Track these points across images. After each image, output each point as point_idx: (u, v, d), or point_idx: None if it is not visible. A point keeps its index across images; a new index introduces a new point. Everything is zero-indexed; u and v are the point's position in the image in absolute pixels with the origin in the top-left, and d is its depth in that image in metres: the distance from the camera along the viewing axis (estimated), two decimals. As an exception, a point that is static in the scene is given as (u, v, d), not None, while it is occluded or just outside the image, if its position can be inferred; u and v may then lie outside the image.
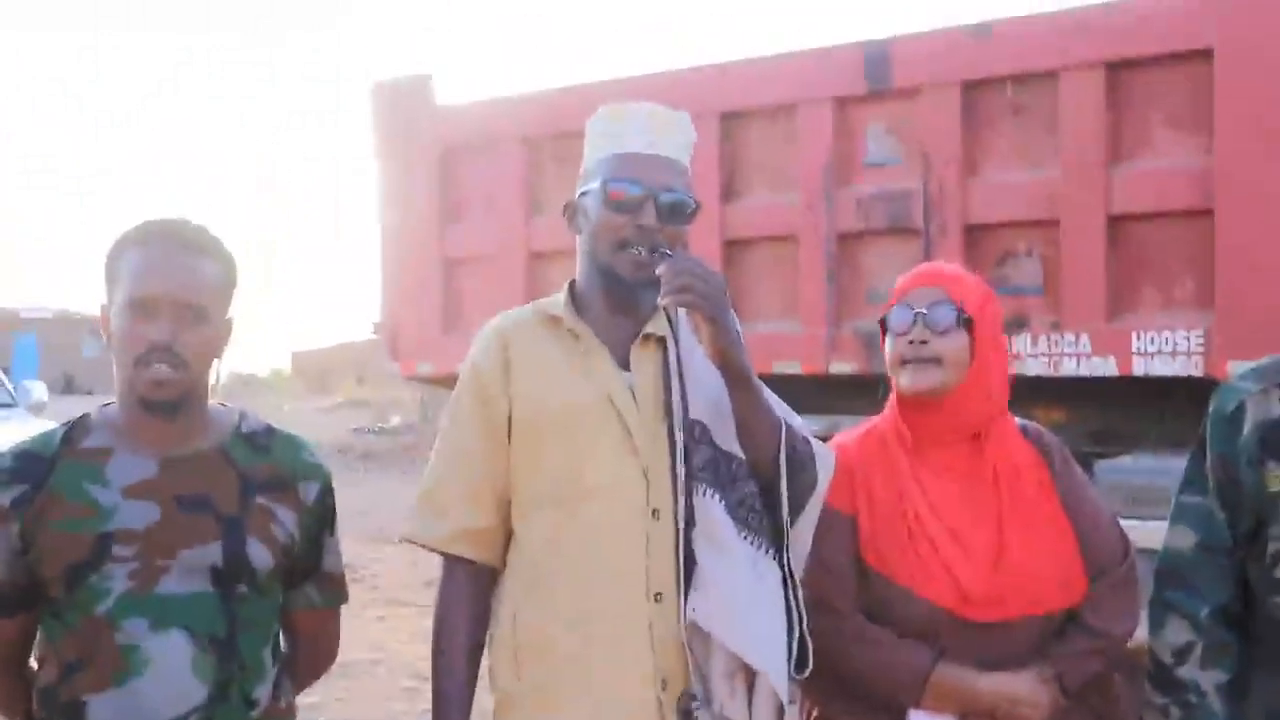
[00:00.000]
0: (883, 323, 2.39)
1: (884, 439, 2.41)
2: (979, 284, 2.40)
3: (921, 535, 2.29)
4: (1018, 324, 5.74)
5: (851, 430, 2.51)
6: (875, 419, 2.47)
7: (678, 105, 2.32)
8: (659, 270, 2.03)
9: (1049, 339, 5.72)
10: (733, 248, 6.62)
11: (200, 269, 2.02)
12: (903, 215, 6.15)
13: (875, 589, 2.31)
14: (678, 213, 2.14)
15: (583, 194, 2.18)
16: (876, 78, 6.16)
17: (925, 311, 2.32)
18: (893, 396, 2.41)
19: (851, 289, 6.33)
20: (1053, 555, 2.28)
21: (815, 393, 6.32)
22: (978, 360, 2.32)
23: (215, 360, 2.09)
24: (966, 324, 2.31)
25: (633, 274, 2.10)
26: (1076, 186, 5.65)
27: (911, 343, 2.32)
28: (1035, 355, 5.75)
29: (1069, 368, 5.69)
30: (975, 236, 5.99)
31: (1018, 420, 2.44)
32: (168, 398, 1.99)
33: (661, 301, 2.03)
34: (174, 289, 1.98)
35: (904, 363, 2.33)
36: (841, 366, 6.29)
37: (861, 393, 6.24)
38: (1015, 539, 2.27)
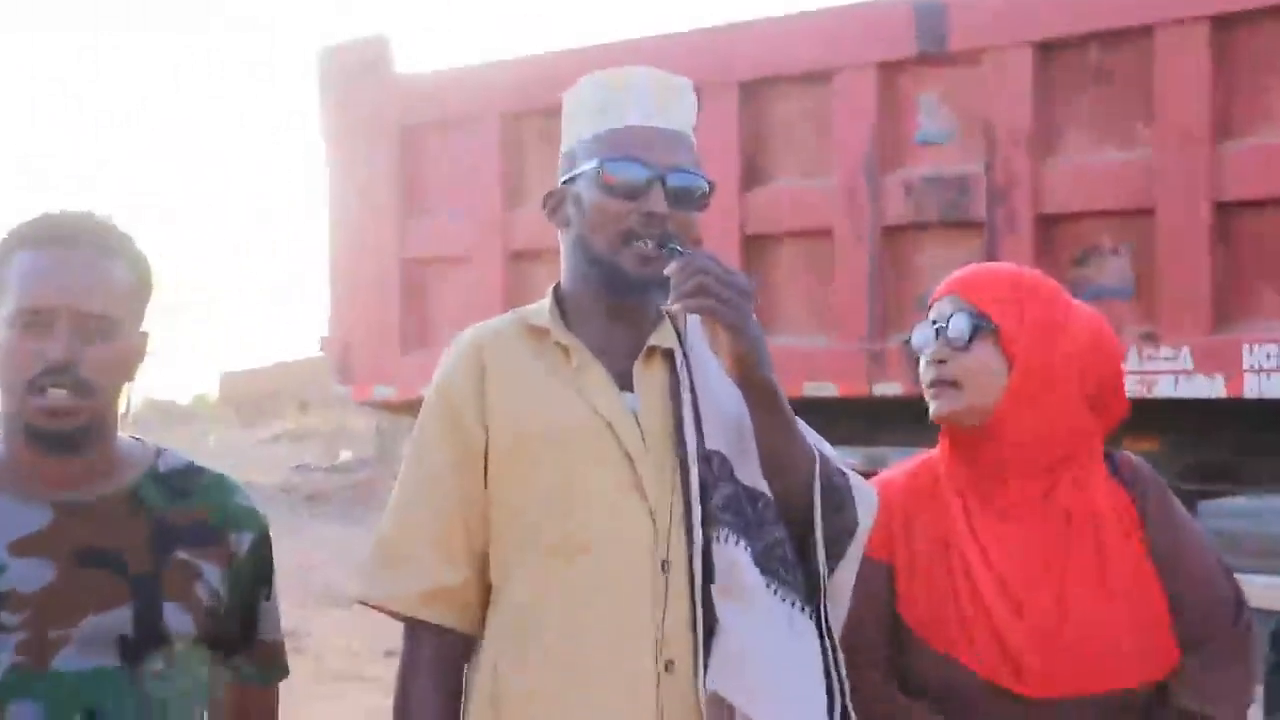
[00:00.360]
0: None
1: (937, 476, 2.42)
2: (1021, 282, 2.38)
3: (967, 591, 2.28)
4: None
5: (902, 464, 2.51)
6: (930, 452, 2.47)
7: (690, 73, 2.31)
8: (668, 269, 2.03)
9: (1140, 353, 5.72)
10: (755, 244, 6.63)
11: (107, 272, 2.01)
12: (961, 204, 6.15)
13: (910, 653, 2.31)
14: (689, 197, 2.13)
15: (568, 179, 2.17)
16: (930, 38, 6.17)
17: (945, 326, 2.34)
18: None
19: (899, 294, 6.34)
20: (1130, 619, 2.27)
21: (855, 420, 6.32)
22: (1018, 376, 2.31)
23: (126, 384, 2.08)
24: (992, 333, 2.32)
25: (639, 270, 2.10)
26: (1175, 168, 5.66)
27: (930, 363, 2.35)
28: (1125, 373, 5.73)
29: (1165, 388, 5.69)
30: (1050, 230, 6.00)
31: (1111, 453, 2.42)
32: (67, 430, 1.98)
33: (671, 306, 2.03)
34: (75, 297, 1.96)
35: (930, 386, 2.37)
36: (887, 388, 6.30)
37: (910, 420, 6.22)
38: (1082, 598, 2.25)
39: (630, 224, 2.10)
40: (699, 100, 2.28)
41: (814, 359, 6.40)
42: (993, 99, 6.06)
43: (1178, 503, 2.43)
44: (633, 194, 2.10)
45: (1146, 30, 5.69)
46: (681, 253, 2.06)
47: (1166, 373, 5.68)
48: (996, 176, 6.04)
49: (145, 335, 2.10)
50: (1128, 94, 5.82)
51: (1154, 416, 5.87)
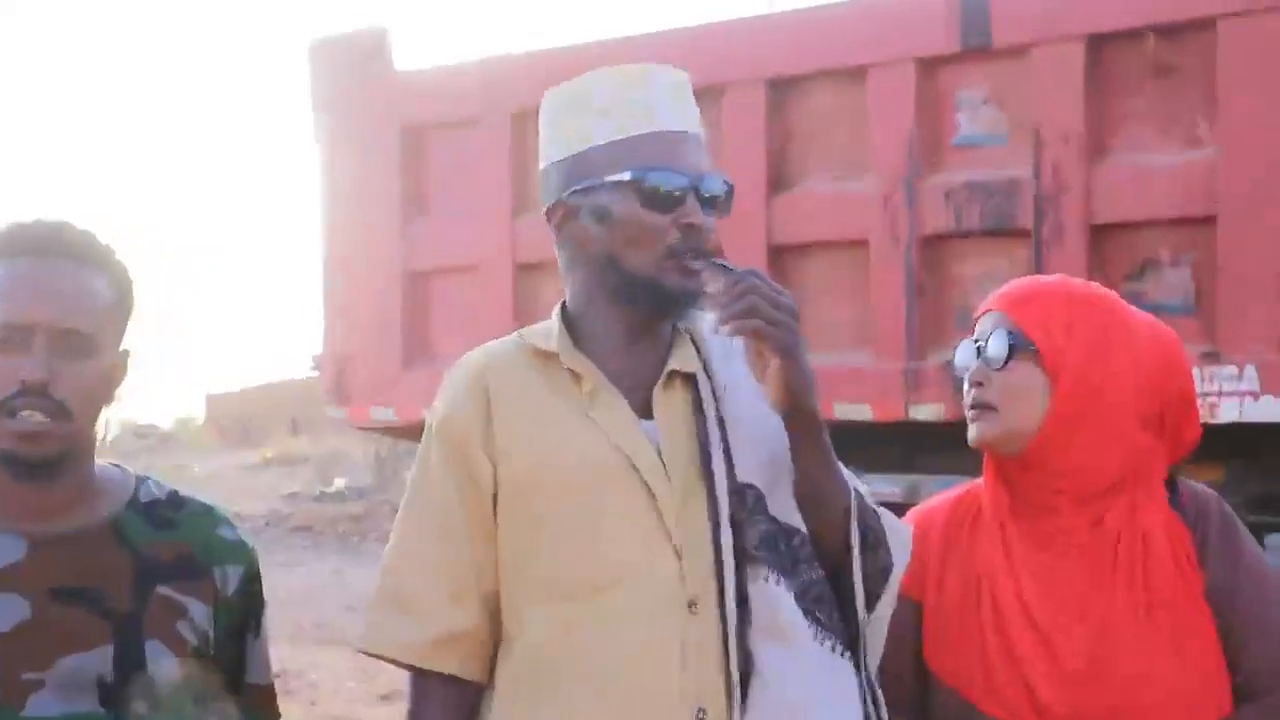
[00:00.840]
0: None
1: (979, 506, 2.42)
2: (1071, 295, 2.36)
3: (995, 633, 2.28)
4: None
5: (947, 493, 2.51)
6: (977, 481, 2.47)
7: (715, 69, 2.33)
8: (711, 287, 2.03)
9: (1202, 374, 5.70)
10: (782, 255, 6.63)
11: (87, 286, 2.01)
12: (1006, 212, 6.14)
13: (934, 699, 2.31)
14: (723, 205, 2.15)
15: (585, 189, 2.16)
16: (973, 32, 6.17)
17: (985, 345, 2.35)
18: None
19: (939, 308, 6.33)
20: (1177, 667, 2.25)
21: (891, 445, 6.30)
22: (1060, 398, 2.30)
23: (105, 406, 2.08)
24: (1032, 353, 2.31)
25: (684, 286, 2.10)
26: (1240, 172, 5.64)
27: (970, 385, 2.36)
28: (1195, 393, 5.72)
29: (1229, 412, 5.66)
30: (1103, 239, 5.98)
31: (1173, 481, 2.40)
32: (42, 455, 1.98)
33: (721, 329, 2.03)
34: (53, 311, 1.97)
35: (969, 409, 2.38)
36: (926, 411, 6.27)
37: (951, 446, 6.19)
38: (1123, 642, 2.24)
39: (673, 239, 2.09)
40: (722, 99, 2.28)
41: (846, 379, 6.38)
42: (1040, 97, 6.05)
43: (1248, 538, 2.40)
44: (671, 205, 2.10)
45: (1209, 22, 5.68)
46: (728, 269, 2.05)
47: (1231, 395, 5.66)
48: (1044, 182, 6.03)
49: (126, 354, 2.10)
50: (1188, 91, 5.81)
51: (1218, 443, 5.83)
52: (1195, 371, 5.67)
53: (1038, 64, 6.05)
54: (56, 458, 2.01)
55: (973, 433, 2.36)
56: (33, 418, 1.96)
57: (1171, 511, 2.37)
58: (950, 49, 6.23)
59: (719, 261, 2.08)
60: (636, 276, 2.11)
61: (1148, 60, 5.88)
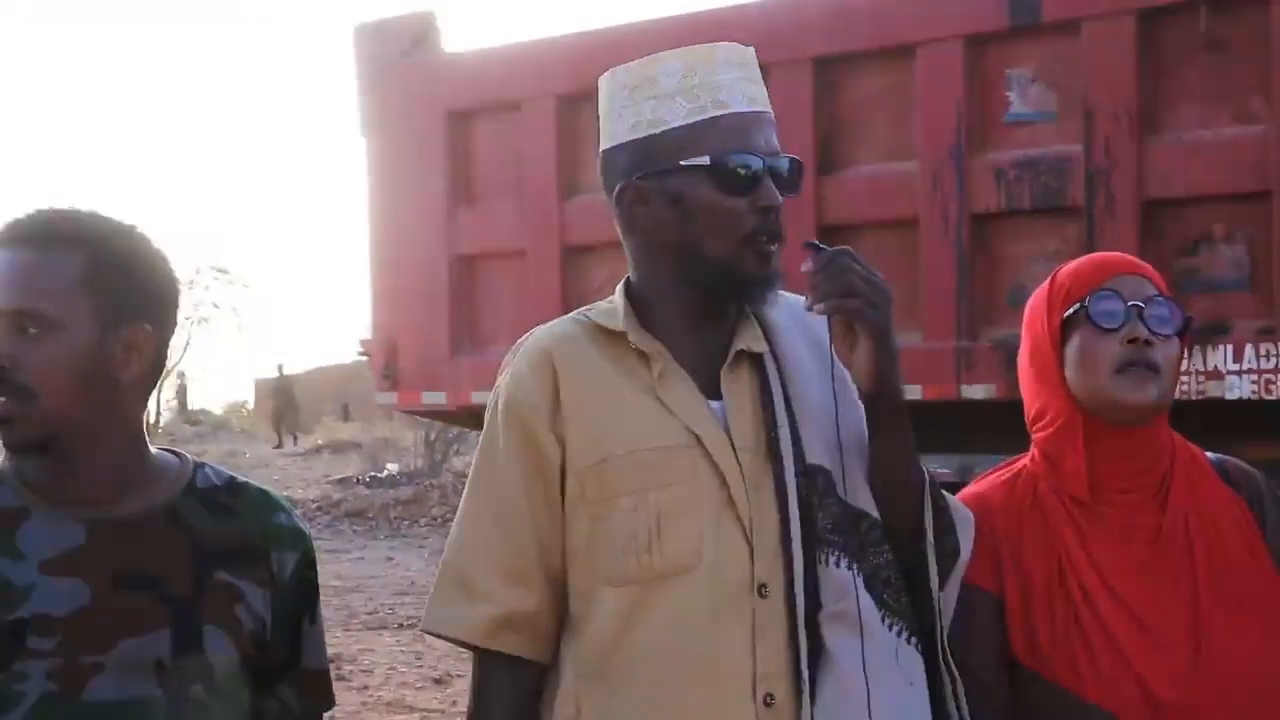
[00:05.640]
0: (1065, 321, 2.33)
1: (1035, 487, 2.37)
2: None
3: (1093, 621, 2.25)
4: (1215, 331, 5.69)
5: (991, 475, 2.46)
6: (1020, 458, 2.44)
7: (760, 48, 2.30)
8: (805, 266, 2.02)
9: (1258, 350, 5.66)
10: (831, 234, 6.60)
11: (44, 268, 1.99)
12: (1057, 189, 6.11)
13: (1031, 695, 2.27)
14: (792, 184, 2.14)
15: (659, 173, 2.13)
16: (1022, 8, 6.14)
17: (1143, 305, 2.27)
18: (1051, 430, 2.37)
19: (990, 288, 6.31)
20: (1268, 641, 2.25)
21: (942, 425, 6.28)
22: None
23: (100, 377, 2.04)
24: (1181, 332, 2.29)
25: (763, 270, 2.10)
26: (1294, 147, 5.59)
27: (1134, 342, 2.25)
28: (1239, 373, 5.69)
29: (1286, 389, 5.62)
30: (1156, 216, 5.94)
31: (1210, 455, 2.40)
32: (21, 439, 1.99)
33: (815, 308, 2.03)
34: (6, 295, 1.96)
35: (1125, 367, 2.26)
36: (977, 390, 6.26)
37: (1003, 425, 6.16)
38: (1220, 623, 2.22)
39: (753, 223, 2.08)
40: (769, 78, 2.27)
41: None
42: (1091, 73, 6.02)
43: None
44: (748, 188, 2.09)
45: (1263, -5, 5.63)
46: (821, 249, 2.05)
47: (1287, 371, 5.62)
48: (1096, 158, 6.00)
49: (144, 332, 2.07)
50: (1242, 65, 5.77)
51: (1275, 422, 5.81)
52: (1250, 349, 5.67)
53: (1088, 40, 6.01)
54: (43, 439, 2.00)
55: (1139, 394, 2.25)
56: None
57: (1226, 487, 2.37)
58: (1000, 26, 6.20)
59: (811, 242, 2.07)
60: (715, 262, 2.10)
61: (1200, 35, 5.84)
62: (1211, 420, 4.95)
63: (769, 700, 2.03)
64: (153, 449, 2.15)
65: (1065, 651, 2.26)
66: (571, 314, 2.25)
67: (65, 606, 2.00)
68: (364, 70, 8.14)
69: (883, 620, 2.07)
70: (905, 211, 6.47)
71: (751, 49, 2.18)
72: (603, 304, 2.22)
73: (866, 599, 2.05)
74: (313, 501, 19.45)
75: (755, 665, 2.04)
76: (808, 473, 2.09)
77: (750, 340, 2.15)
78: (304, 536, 2.21)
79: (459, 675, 8.47)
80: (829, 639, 2.03)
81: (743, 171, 2.08)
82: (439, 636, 2.19)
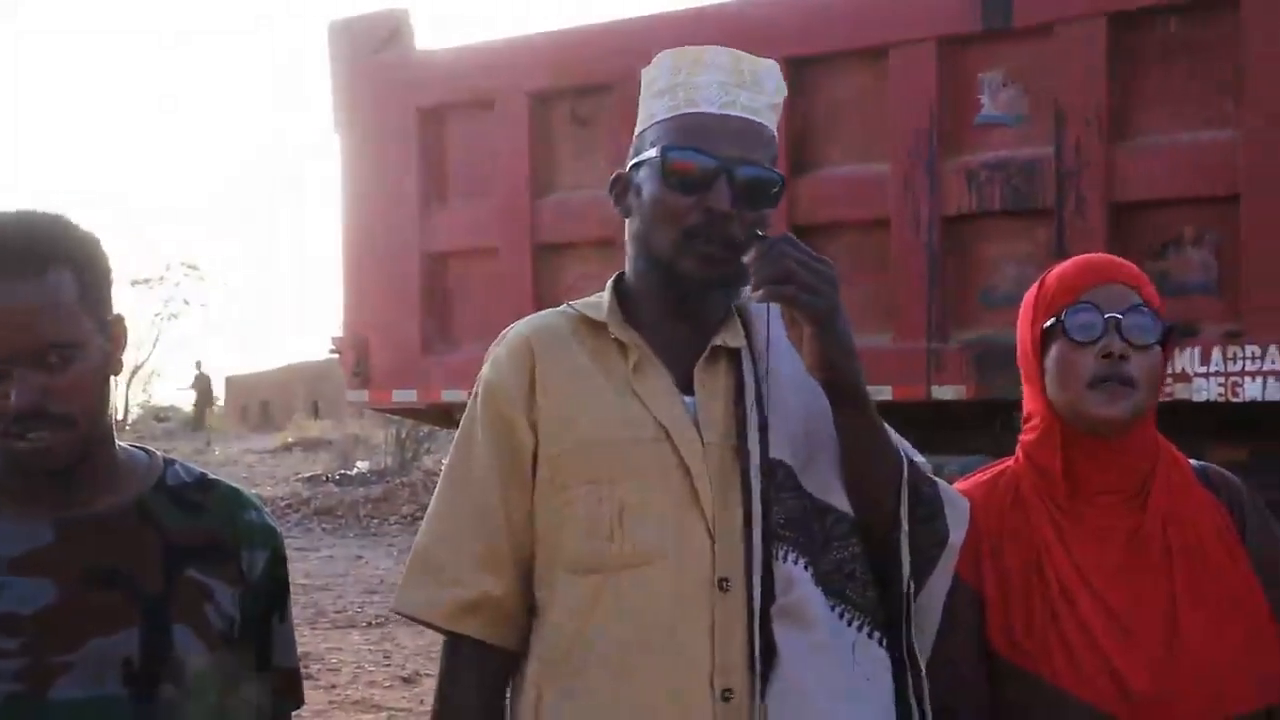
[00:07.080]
0: (1044, 332, 2.34)
1: (1016, 488, 2.40)
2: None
3: (1070, 616, 2.27)
4: (1183, 333, 5.70)
5: (974, 476, 2.49)
6: (1004, 461, 2.46)
7: (732, 48, 2.31)
8: (747, 256, 2.02)
9: (1225, 354, 5.69)
10: (803, 235, 6.54)
11: (51, 296, 1.95)
12: (1028, 191, 6.13)
13: (1009, 687, 2.29)
14: (758, 193, 2.13)
15: (634, 165, 2.18)
16: (994, 11, 6.15)
17: (1121, 317, 2.28)
18: (1035, 434, 2.38)
19: (961, 289, 6.32)
20: (1244, 639, 2.27)
21: (912, 426, 6.29)
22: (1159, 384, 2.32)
23: (110, 385, 2.06)
24: (1163, 340, 2.30)
25: (701, 272, 2.10)
26: (1265, 150, 5.62)
27: (1109, 357, 2.26)
28: (1206, 375, 5.72)
29: (1252, 391, 5.65)
30: (1125, 219, 5.97)
31: (1193, 462, 2.42)
32: (62, 464, 1.99)
33: (754, 295, 2.02)
34: (26, 340, 1.92)
35: (1099, 382, 2.27)
36: (947, 392, 6.27)
37: (972, 426, 6.20)
38: (1194, 619, 2.25)
39: (691, 222, 2.08)
40: None
41: (868, 360, 6.30)
42: (1062, 76, 6.04)
43: (1273, 517, 2.43)
44: (694, 188, 2.09)
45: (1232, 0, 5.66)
46: (761, 237, 2.05)
47: (1254, 375, 5.65)
48: (1066, 161, 6.02)
49: (119, 319, 2.06)
50: (1212, 69, 5.80)
51: (1241, 424, 5.84)
52: (1217, 351, 5.70)
53: (1059, 43, 6.04)
54: (81, 456, 2.01)
55: (1109, 406, 2.27)
56: (40, 439, 1.95)
57: (1207, 492, 2.39)
58: (972, 29, 6.22)
59: (756, 232, 2.08)
60: (657, 257, 2.13)
61: (1170, 38, 5.86)
62: (1179, 422, 4.97)
63: (727, 695, 2.04)
64: (122, 445, 2.15)
65: (1042, 644, 2.27)
66: (559, 306, 2.27)
67: (32, 605, 1.99)
68: (337, 67, 8.12)
69: (841, 615, 2.07)
70: (877, 212, 6.49)
71: (751, 57, 2.20)
72: (592, 296, 2.24)
73: (815, 594, 2.05)
74: (282, 499, 19.36)
75: (714, 659, 2.04)
76: (769, 468, 2.09)
77: (729, 336, 2.16)
78: (274, 534, 2.21)
79: (427, 674, 8.46)
80: (778, 634, 2.04)
81: (684, 168, 2.09)
82: (407, 617, 2.20)
